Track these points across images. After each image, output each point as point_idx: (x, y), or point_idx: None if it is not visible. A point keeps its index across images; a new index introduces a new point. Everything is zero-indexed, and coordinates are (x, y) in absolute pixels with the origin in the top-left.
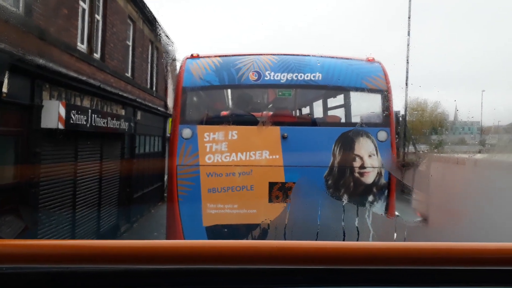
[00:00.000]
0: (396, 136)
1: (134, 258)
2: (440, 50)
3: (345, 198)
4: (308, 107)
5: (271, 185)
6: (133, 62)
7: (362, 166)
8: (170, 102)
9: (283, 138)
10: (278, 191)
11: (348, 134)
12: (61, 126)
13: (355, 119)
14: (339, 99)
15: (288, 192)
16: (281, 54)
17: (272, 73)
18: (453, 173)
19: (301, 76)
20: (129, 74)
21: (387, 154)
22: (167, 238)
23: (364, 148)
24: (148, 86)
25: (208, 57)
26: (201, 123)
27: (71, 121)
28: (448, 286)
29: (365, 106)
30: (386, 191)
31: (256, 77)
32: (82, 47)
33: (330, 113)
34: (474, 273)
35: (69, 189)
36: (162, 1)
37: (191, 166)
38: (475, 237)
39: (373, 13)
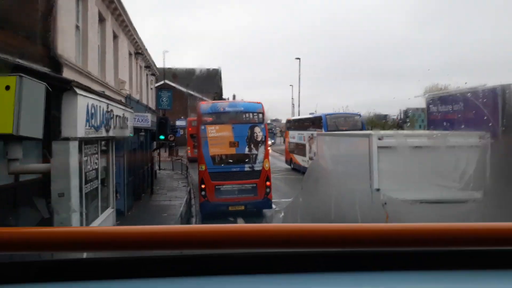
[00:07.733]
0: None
1: (135, 244)
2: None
3: (252, 146)
4: (243, 118)
5: (230, 143)
6: None
7: (257, 135)
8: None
9: (233, 128)
10: (232, 143)
11: (253, 126)
12: None
13: (255, 121)
14: (252, 115)
15: (235, 144)
16: (231, 101)
17: (228, 108)
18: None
19: (238, 108)
20: None
21: (264, 132)
22: (198, 163)
23: (257, 130)
24: None
25: (208, 102)
26: (207, 124)
27: None
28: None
29: (258, 117)
30: (264, 144)
31: (223, 110)
32: None
33: (250, 120)
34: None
35: None
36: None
37: (205, 137)
38: None
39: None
